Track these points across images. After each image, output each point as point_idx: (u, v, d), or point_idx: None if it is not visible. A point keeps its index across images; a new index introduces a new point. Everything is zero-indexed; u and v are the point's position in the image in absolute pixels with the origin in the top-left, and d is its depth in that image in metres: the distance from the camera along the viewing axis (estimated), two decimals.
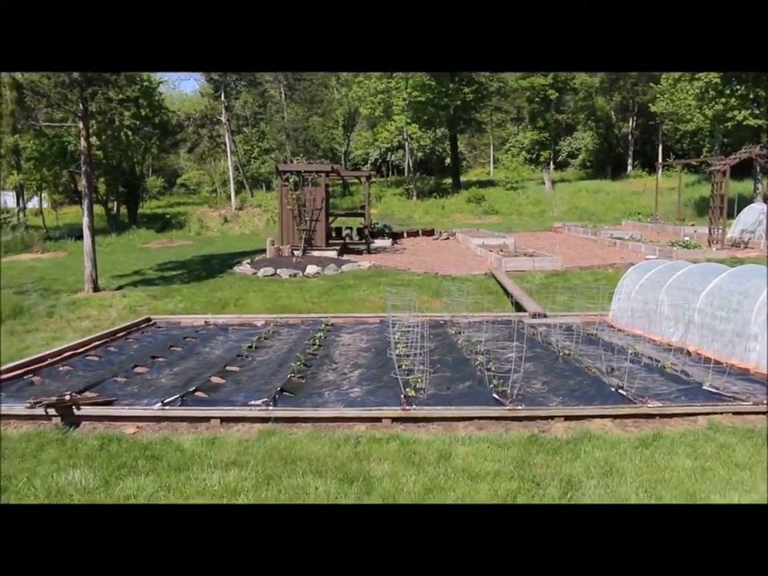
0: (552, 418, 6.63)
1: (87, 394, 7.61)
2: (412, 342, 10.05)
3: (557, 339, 10.65)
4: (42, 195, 45.00)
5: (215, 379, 8.27)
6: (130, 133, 34.05)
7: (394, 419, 6.61)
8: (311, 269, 19.54)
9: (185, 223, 39.20)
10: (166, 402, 6.93)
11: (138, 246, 31.24)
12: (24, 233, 32.32)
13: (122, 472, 5.52)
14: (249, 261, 21.39)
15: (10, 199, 45.64)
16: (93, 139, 26.14)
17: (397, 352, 9.41)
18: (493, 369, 8.33)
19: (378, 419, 6.61)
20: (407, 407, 6.65)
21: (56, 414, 6.69)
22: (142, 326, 12.92)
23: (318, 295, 17.26)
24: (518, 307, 14.16)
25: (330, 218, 23.37)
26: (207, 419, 6.70)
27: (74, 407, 6.65)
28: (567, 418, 6.63)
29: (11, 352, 12.68)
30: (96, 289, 17.71)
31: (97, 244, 30.11)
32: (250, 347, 10.21)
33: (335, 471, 5.42)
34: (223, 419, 6.70)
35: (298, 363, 8.64)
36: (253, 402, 7.05)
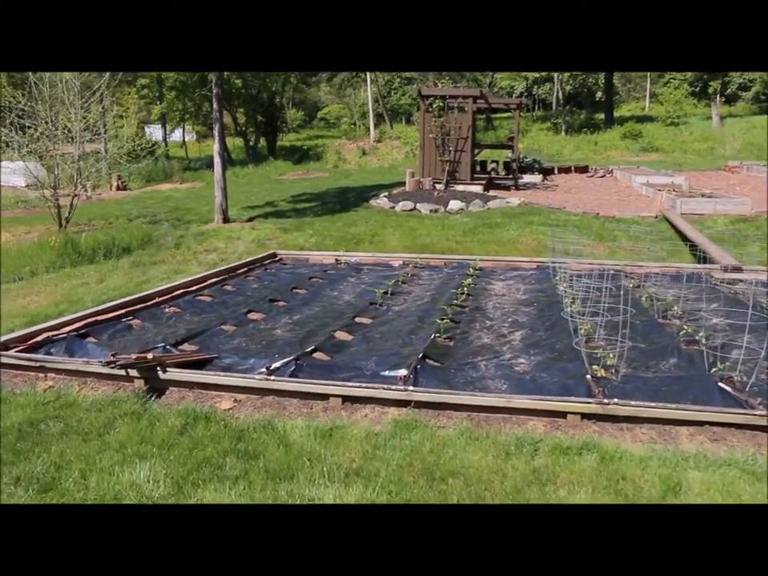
0: None
1: (185, 346, 6.16)
2: (582, 296, 7.99)
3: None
4: (185, 127, 45.39)
5: (341, 335, 6.61)
6: None
7: (585, 416, 4.65)
8: (454, 204, 17.58)
9: (322, 155, 38.09)
10: (273, 367, 5.30)
11: (273, 178, 30.39)
12: (165, 162, 32.25)
13: (202, 474, 3.95)
14: (386, 194, 19.68)
15: (157, 132, 46.34)
16: None
17: (569, 309, 7.38)
18: (703, 341, 6.16)
19: (562, 414, 4.66)
20: (603, 399, 4.63)
21: (138, 375, 5.24)
22: (266, 262, 11.53)
23: (461, 234, 15.38)
24: (701, 258, 11.64)
25: (476, 150, 21.13)
26: (326, 397, 5.01)
27: (159, 368, 5.16)
28: None
29: (130, 286, 11.74)
30: (226, 220, 16.73)
31: (234, 174, 29.77)
32: (386, 293, 8.48)
33: (505, 500, 3.59)
34: (346, 398, 4.98)
35: (444, 320, 6.80)
36: (387, 373, 5.31)
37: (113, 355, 5.14)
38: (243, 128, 40.16)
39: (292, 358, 5.56)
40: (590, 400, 4.65)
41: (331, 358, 5.83)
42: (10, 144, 16.13)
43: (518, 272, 10.80)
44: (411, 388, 4.83)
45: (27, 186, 18.35)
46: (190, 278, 9.38)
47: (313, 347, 5.91)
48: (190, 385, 5.25)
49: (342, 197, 20.86)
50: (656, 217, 15.98)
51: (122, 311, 7.49)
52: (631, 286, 9.27)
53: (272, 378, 5.08)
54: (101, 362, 5.14)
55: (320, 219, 17.25)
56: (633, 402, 4.59)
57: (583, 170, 27.25)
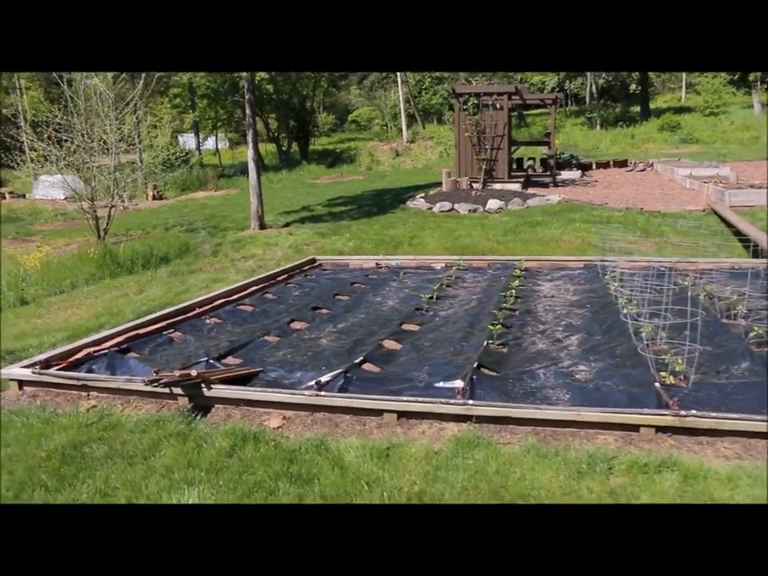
0: None
1: (229, 360, 5.96)
2: (636, 297, 7.62)
3: None
4: (218, 135, 45.62)
5: (389, 343, 6.35)
6: None
7: (660, 429, 4.30)
8: (493, 203, 17.24)
9: (355, 158, 37.91)
10: (323, 382, 5.04)
11: (307, 182, 30.30)
12: (199, 171, 32.38)
13: (254, 499, 3.71)
14: (423, 195, 19.41)
15: (190, 141, 46.63)
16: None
17: (625, 311, 7.03)
18: None
19: (634, 427, 4.33)
20: (680, 411, 4.28)
21: (182, 393, 5.03)
22: (306, 267, 11.32)
23: (502, 233, 15.05)
24: (755, 251, 11.14)
25: (512, 148, 20.73)
26: (380, 412, 4.73)
27: (203, 385, 4.94)
28: None
29: (170, 296, 11.64)
30: (263, 226, 16.64)
31: (267, 180, 29.69)
32: (431, 298, 8.20)
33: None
34: (402, 414, 4.70)
35: (496, 325, 6.50)
36: (441, 385, 5.03)
37: (155, 372, 4.94)
38: (275, 133, 40.21)
39: (341, 370, 5.30)
40: (666, 412, 4.30)
41: (381, 369, 5.58)
42: (48, 158, 16.20)
43: (565, 272, 10.44)
44: (471, 402, 4.52)
45: (66, 198, 18.43)
46: (229, 287, 9.22)
47: (361, 358, 5.65)
48: (237, 402, 5.02)
49: (378, 199, 20.64)
50: (703, 210, 15.46)
51: (163, 323, 7.33)
52: (686, 283, 8.84)
53: (322, 393, 4.82)
54: (144, 380, 4.93)
55: (357, 222, 17.05)
56: (713, 414, 4.24)
57: (622, 164, 26.65)
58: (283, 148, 40.58)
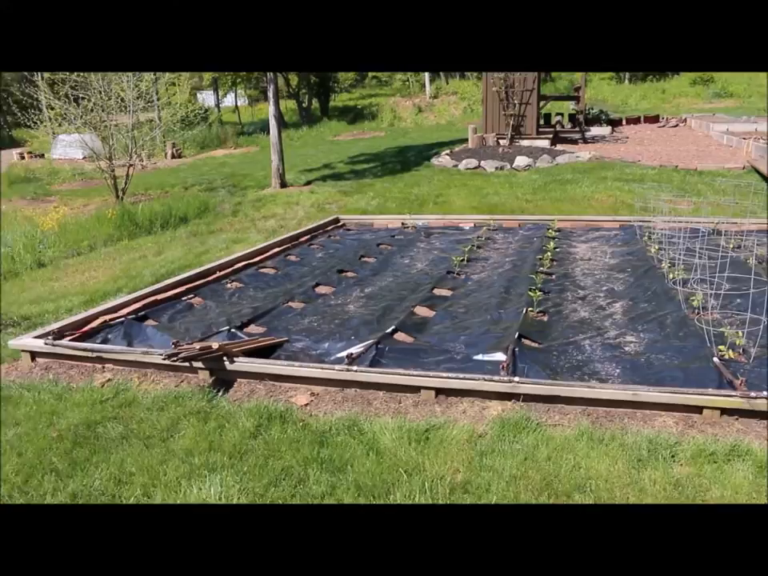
0: None
1: (252, 328, 5.62)
2: (679, 260, 7.16)
3: None
4: (237, 92, 44.91)
5: (421, 310, 5.98)
6: None
7: (725, 411, 3.90)
8: (521, 160, 16.66)
9: (377, 114, 37.13)
10: (354, 355, 4.67)
11: (328, 139, 29.70)
12: (218, 128, 31.85)
13: (282, 490, 3.38)
14: (448, 152, 18.81)
15: (210, 98, 45.98)
16: None
17: (671, 276, 6.58)
18: None
19: (697, 409, 3.93)
20: (749, 392, 3.87)
21: (202, 366, 4.70)
22: (329, 228, 10.92)
23: (531, 192, 14.53)
24: None
25: (541, 103, 19.97)
26: (416, 389, 4.37)
27: (225, 358, 4.60)
28: None
29: (189, 257, 11.32)
30: (283, 184, 16.21)
31: (288, 137, 29.13)
32: (462, 260, 7.79)
33: None
34: (440, 391, 4.33)
35: (536, 291, 6.09)
36: (481, 357, 4.66)
37: (174, 344, 4.60)
38: (296, 89, 39.42)
39: (372, 341, 4.94)
40: (733, 392, 3.90)
41: (415, 340, 5.21)
42: (65, 116, 15.81)
43: (600, 232, 9.97)
44: (517, 379, 4.13)
45: (84, 158, 18.10)
46: (250, 249, 8.86)
47: (393, 327, 5.28)
48: (261, 376, 4.68)
49: (402, 156, 20.08)
50: (743, 168, 14.79)
51: (182, 288, 7.00)
52: (731, 246, 8.35)
53: (354, 368, 4.44)
54: (161, 354, 4.59)
55: (380, 180, 16.57)
56: None
57: (654, 119, 25.73)
58: (303, 104, 39.83)
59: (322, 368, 4.53)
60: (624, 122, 25.40)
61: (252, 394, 4.57)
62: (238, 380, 4.73)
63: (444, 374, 4.31)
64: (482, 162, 16.85)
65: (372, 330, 5.43)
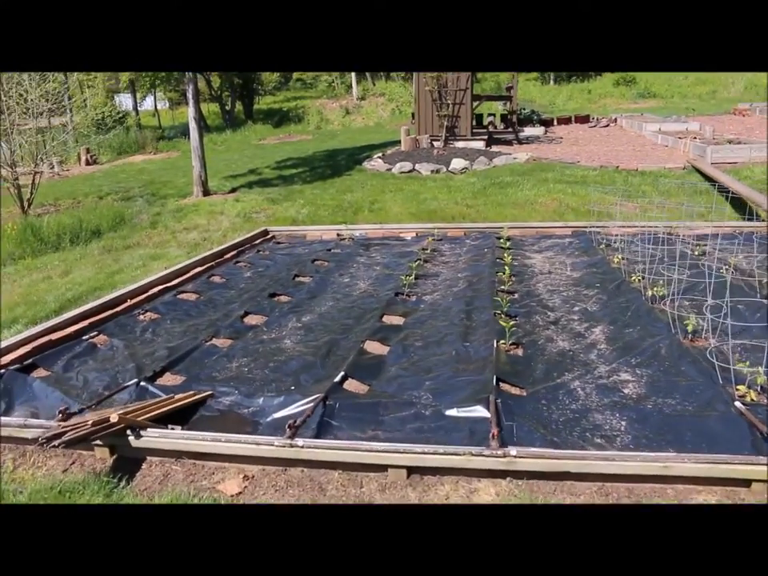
0: None
1: (167, 377, 4.57)
2: (649, 271, 6.47)
3: None
4: (157, 94, 43.07)
5: (372, 346, 5.04)
6: None
7: None
8: (457, 163, 15.96)
9: (303, 117, 36.02)
10: (296, 424, 3.65)
11: (253, 143, 28.47)
12: (137, 133, 30.16)
13: None
14: (380, 155, 17.97)
15: (127, 100, 43.92)
16: None
17: (649, 293, 5.85)
18: None
19: (744, 483, 3.10)
20: None
21: (100, 443, 3.62)
22: (258, 241, 9.86)
23: (471, 196, 13.82)
24: (750, 212, 10.16)
25: (474, 103, 19.30)
26: (382, 468, 3.39)
27: (129, 431, 3.54)
28: None
29: (100, 278, 10.10)
30: (206, 192, 15.07)
31: (211, 142, 27.70)
32: (410, 278, 6.88)
33: None
34: (414, 470, 3.36)
35: (504, 318, 5.23)
36: (455, 413, 3.75)
37: (61, 413, 3.51)
38: (218, 92, 37.89)
39: (319, 397, 3.95)
40: None
41: (370, 388, 4.26)
42: None
43: (553, 240, 9.27)
44: (514, 452, 3.20)
45: None
46: (168, 271, 7.71)
47: (342, 374, 4.32)
48: (178, 454, 3.63)
49: (332, 160, 19.12)
50: (684, 168, 14.44)
51: (85, 323, 5.84)
52: (696, 252, 7.73)
53: (299, 442, 3.45)
54: (38, 438, 3.43)
55: (310, 186, 15.61)
56: None
57: (584, 119, 25.56)
58: (227, 107, 38.32)
59: (258, 443, 3.49)
60: (555, 122, 25.14)
61: (166, 480, 3.47)
62: (148, 459, 3.64)
63: (418, 448, 3.33)
64: (417, 165, 16.09)
65: (316, 375, 4.46)
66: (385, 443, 3.43)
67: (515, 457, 3.19)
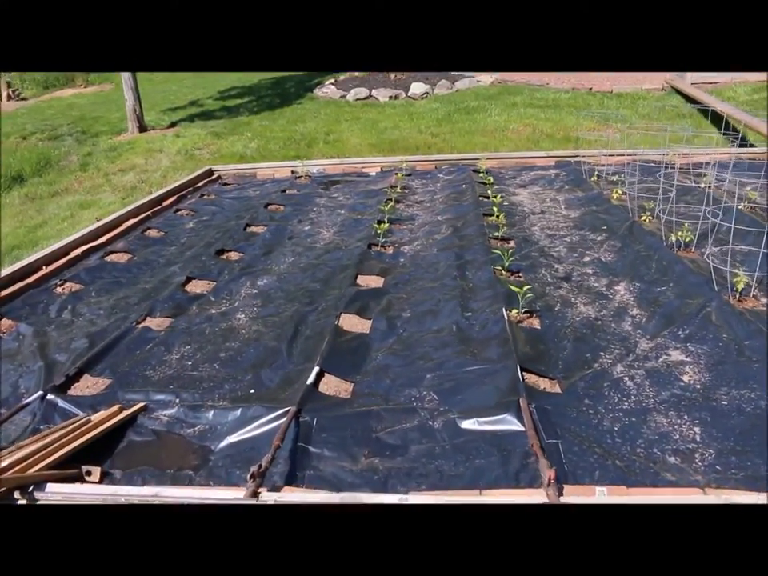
0: None
1: (86, 380, 3.48)
2: (660, 209, 5.56)
3: None
4: None
5: (349, 321, 4.00)
6: None
7: None
8: (417, 87, 14.77)
9: None
10: (261, 469, 2.58)
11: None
12: None
13: None
14: (332, 81, 16.59)
15: None
16: None
17: (672, 238, 4.92)
18: None
19: None
20: None
21: None
22: (201, 183, 8.61)
23: (435, 124, 12.72)
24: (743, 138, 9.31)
25: None
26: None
27: (17, 493, 2.47)
28: None
29: (20, 233, 8.87)
30: (143, 128, 13.66)
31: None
32: (381, 222, 5.80)
33: None
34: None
35: (503, 272, 4.24)
36: (476, 426, 2.78)
37: None
38: None
39: (290, 409, 2.91)
40: None
41: (354, 386, 3.24)
42: None
43: (536, 172, 8.26)
44: (576, 500, 2.25)
45: None
46: (96, 225, 6.47)
47: (317, 369, 3.28)
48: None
49: (280, 88, 17.63)
50: (662, 89, 13.46)
51: None
52: (702, 185, 6.79)
53: (269, 499, 2.36)
54: None
55: (258, 117, 14.26)
56: None
57: None
58: None
59: (206, 501, 2.45)
60: None
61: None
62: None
63: (446, 497, 2.34)
64: (374, 90, 14.87)
65: (281, 370, 3.43)
66: (393, 494, 2.39)
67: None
